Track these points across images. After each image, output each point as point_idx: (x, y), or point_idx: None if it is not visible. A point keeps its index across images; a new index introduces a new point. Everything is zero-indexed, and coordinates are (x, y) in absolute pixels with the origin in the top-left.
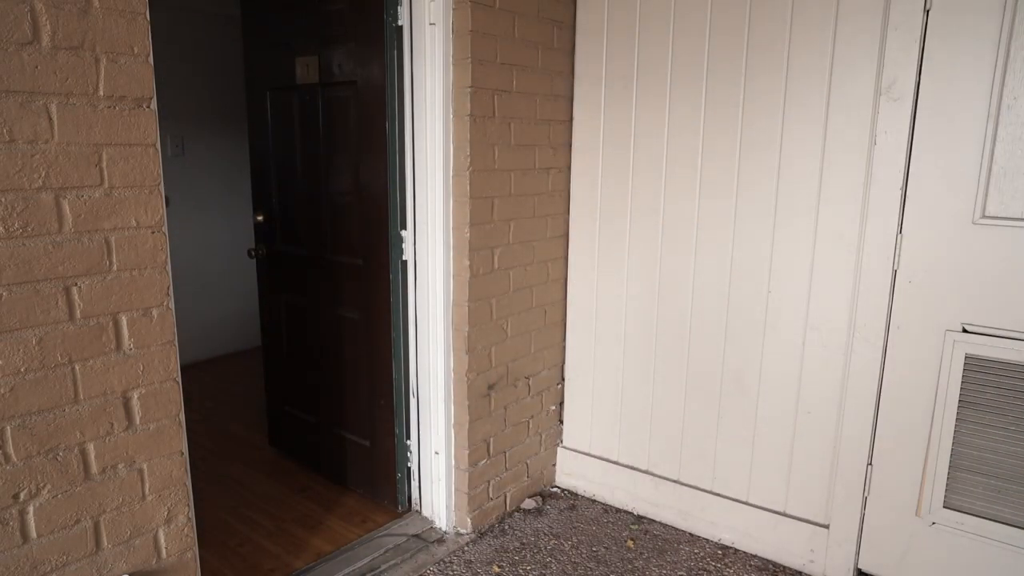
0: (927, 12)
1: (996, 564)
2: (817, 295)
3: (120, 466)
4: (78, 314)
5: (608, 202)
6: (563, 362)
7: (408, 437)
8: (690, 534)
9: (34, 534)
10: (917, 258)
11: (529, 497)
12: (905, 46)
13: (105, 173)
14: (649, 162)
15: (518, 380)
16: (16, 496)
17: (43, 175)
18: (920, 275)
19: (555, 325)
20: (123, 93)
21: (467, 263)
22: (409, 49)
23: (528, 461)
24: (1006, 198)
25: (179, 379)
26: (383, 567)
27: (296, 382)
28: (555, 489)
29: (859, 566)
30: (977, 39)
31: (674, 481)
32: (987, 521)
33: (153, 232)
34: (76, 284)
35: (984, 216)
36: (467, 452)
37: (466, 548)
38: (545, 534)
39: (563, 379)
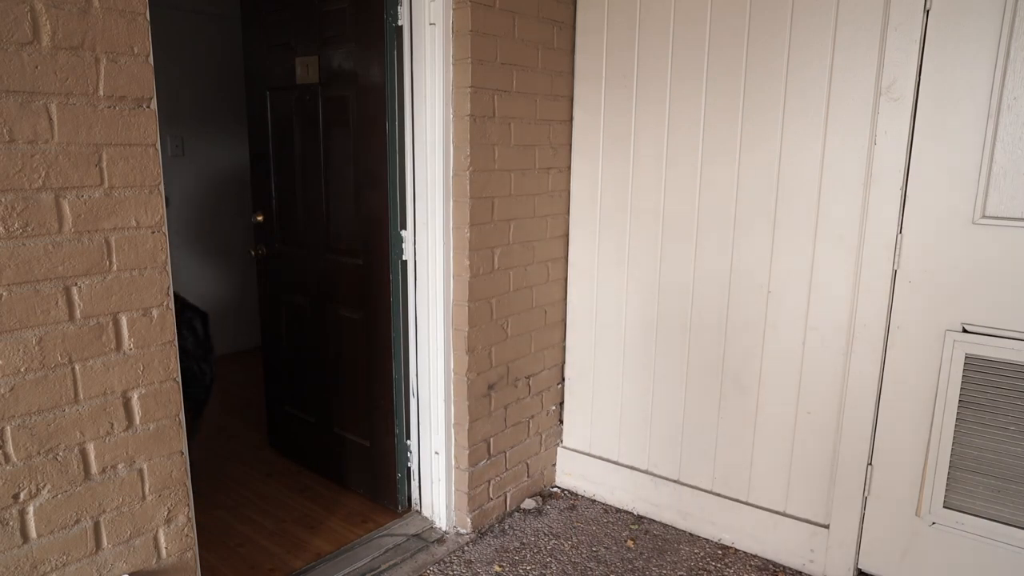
0: (927, 12)
1: (996, 564)
2: (817, 295)
3: (120, 466)
4: (78, 314)
5: (608, 202)
6: (563, 362)
7: (408, 437)
8: (690, 534)
9: (34, 534)
10: (917, 258)
11: (529, 497)
12: (905, 46)
13: (105, 173)
14: (649, 162)
15: (518, 380)
16: (16, 496)
17: (43, 175)
18: (920, 275)
19: (555, 325)
20: (123, 93)
21: (467, 263)
22: (409, 49)
23: (528, 461)
24: (1006, 198)
25: (179, 379)
26: (383, 567)
27: (296, 382)
28: (555, 489)
29: (859, 566)
30: (977, 39)
31: (674, 481)
32: (987, 521)
33: (153, 232)
34: (76, 284)
35: (984, 216)
36: (467, 452)
37: (466, 548)
38: (545, 534)
39: (563, 379)
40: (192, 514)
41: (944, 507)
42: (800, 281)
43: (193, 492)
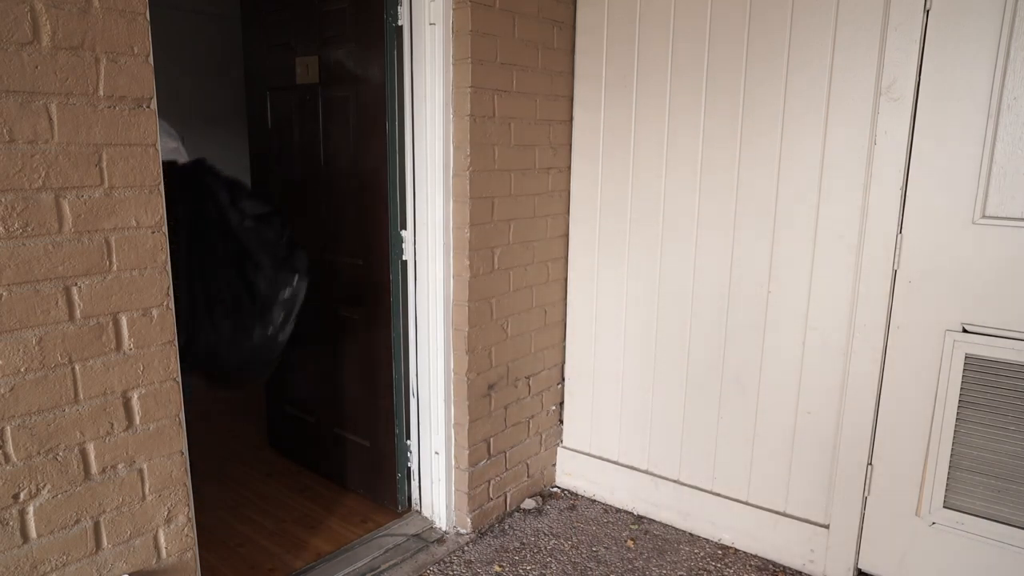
0: (927, 12)
1: (996, 564)
2: (817, 295)
3: (120, 466)
4: (78, 314)
5: (608, 202)
6: (563, 362)
7: (408, 437)
8: (690, 534)
9: (34, 534)
10: (917, 258)
11: (529, 497)
12: (905, 46)
13: (105, 173)
14: (649, 162)
15: (518, 380)
16: (16, 496)
17: (43, 175)
18: (920, 275)
19: (555, 325)
20: (123, 93)
21: (467, 263)
22: (409, 49)
23: (528, 461)
24: (1006, 198)
25: (179, 379)
26: (383, 567)
27: (296, 382)
28: (555, 489)
29: (859, 566)
30: (977, 39)
31: (674, 481)
32: (987, 521)
33: (153, 232)
34: (76, 284)
35: (984, 216)
36: (467, 452)
37: (466, 548)
38: (545, 534)
39: (563, 379)
40: (192, 514)
41: (944, 507)
42: (800, 281)
43: (193, 492)
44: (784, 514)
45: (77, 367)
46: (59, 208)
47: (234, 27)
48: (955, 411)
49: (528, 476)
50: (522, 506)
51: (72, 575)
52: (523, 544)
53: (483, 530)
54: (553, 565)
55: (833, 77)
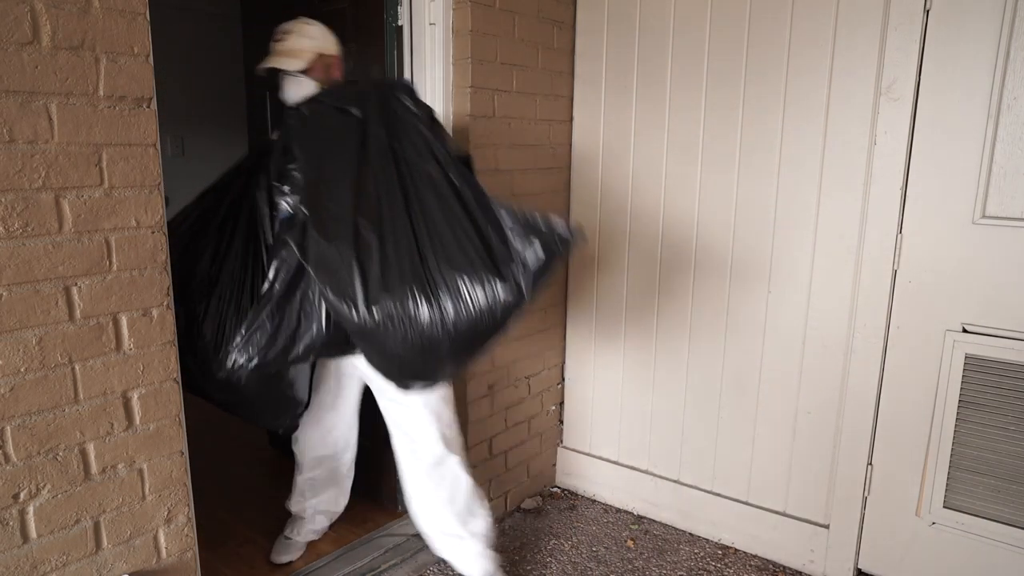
0: (927, 12)
1: (996, 564)
2: (817, 295)
3: (120, 466)
4: (78, 314)
5: (608, 203)
6: (563, 362)
7: None
8: (690, 534)
9: (34, 534)
10: (917, 258)
11: (529, 497)
12: (905, 46)
13: (105, 173)
14: (649, 163)
15: (518, 380)
16: (16, 496)
17: (43, 175)
18: (920, 275)
19: (555, 326)
20: (123, 93)
21: None
22: (409, 49)
23: (528, 461)
24: (1006, 198)
25: (179, 379)
26: (383, 567)
27: None
28: (555, 489)
29: (859, 566)
30: (977, 39)
31: (674, 481)
32: (987, 521)
33: (153, 232)
34: (76, 284)
35: (984, 216)
36: (467, 452)
37: None
38: (545, 534)
39: (563, 379)
40: (192, 514)
41: (944, 507)
42: (800, 281)
43: (193, 492)
44: (784, 514)
45: (77, 367)
46: (59, 208)
47: (234, 27)
48: (955, 411)
49: (528, 476)
50: (522, 506)
51: (72, 575)
52: (523, 544)
53: None
54: (553, 565)
55: (833, 76)
